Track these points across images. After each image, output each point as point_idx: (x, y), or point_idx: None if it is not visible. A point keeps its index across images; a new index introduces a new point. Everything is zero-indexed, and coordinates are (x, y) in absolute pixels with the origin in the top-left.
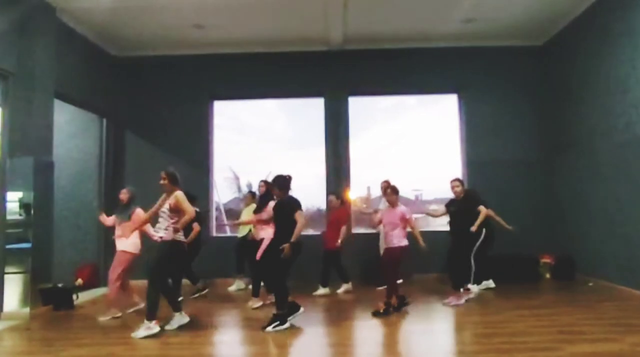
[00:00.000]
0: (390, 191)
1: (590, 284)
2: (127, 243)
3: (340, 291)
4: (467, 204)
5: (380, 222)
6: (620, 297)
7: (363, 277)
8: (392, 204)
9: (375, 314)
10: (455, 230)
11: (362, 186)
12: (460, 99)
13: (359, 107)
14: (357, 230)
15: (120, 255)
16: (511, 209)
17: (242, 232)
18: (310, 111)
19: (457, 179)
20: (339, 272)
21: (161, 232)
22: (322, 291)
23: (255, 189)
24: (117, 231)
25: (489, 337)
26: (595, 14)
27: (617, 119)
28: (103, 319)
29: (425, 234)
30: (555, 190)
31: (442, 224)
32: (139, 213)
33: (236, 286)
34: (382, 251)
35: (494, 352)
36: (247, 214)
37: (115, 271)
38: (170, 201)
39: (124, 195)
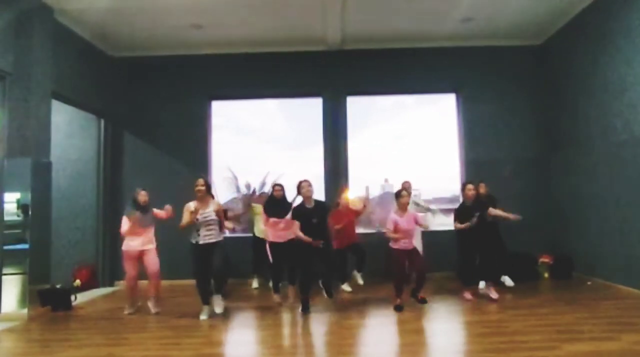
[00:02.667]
0: (406, 193)
1: (589, 283)
2: (150, 241)
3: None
4: (488, 204)
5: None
6: (618, 296)
7: (369, 276)
8: (405, 209)
9: (423, 301)
10: (490, 228)
11: (360, 186)
12: (458, 98)
13: (357, 107)
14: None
15: (153, 251)
16: (509, 208)
17: (264, 233)
18: (308, 111)
19: (472, 182)
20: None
21: (215, 234)
22: (360, 280)
23: (253, 188)
24: (141, 236)
25: (488, 336)
26: (592, 13)
27: (614, 118)
28: (155, 310)
29: (431, 233)
30: (553, 189)
31: (445, 223)
32: (159, 212)
33: (257, 283)
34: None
35: (493, 352)
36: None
37: (156, 263)
38: (215, 207)
39: (144, 197)
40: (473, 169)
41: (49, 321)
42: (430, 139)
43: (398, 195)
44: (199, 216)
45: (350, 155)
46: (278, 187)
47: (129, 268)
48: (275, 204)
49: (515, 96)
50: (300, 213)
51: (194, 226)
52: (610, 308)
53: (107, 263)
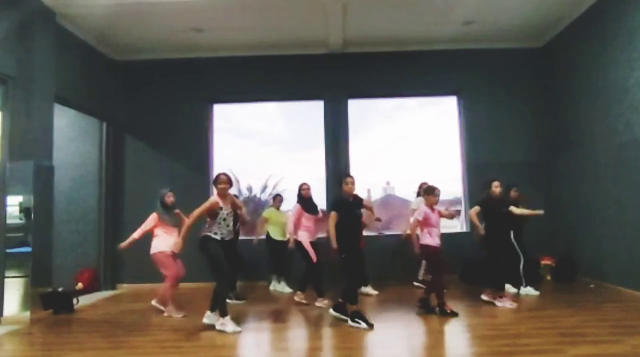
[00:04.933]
0: (439, 192)
1: (592, 285)
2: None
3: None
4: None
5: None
6: (622, 298)
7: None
8: (436, 204)
9: (453, 313)
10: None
11: (362, 188)
12: (459, 101)
13: (358, 109)
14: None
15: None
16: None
17: (280, 235)
18: (309, 114)
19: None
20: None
21: (232, 232)
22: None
23: (254, 191)
24: (172, 236)
25: (491, 339)
26: (594, 16)
27: (616, 120)
28: (181, 315)
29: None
30: (555, 191)
31: (448, 225)
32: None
33: (281, 286)
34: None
35: (496, 355)
36: (283, 215)
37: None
38: (231, 201)
39: (172, 198)
40: (474, 170)
41: (51, 324)
42: (432, 141)
43: (430, 192)
44: (224, 212)
45: (351, 157)
46: (306, 185)
47: (172, 265)
48: (309, 202)
49: (516, 98)
50: (342, 203)
51: (216, 220)
52: (613, 311)
53: (109, 266)
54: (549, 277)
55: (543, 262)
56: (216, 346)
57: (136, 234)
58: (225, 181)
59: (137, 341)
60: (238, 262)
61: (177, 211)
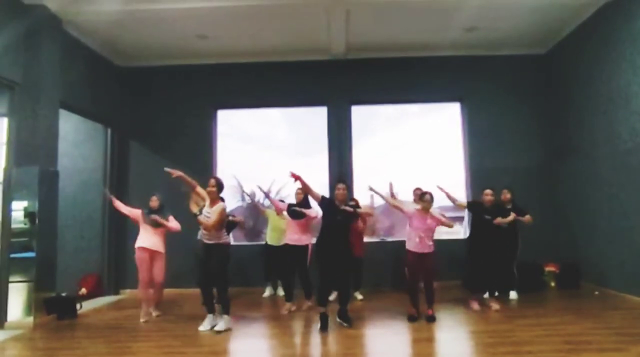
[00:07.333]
0: (429, 197)
1: (596, 292)
2: (162, 245)
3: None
4: (508, 211)
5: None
6: (626, 306)
7: (375, 285)
8: (427, 210)
9: (431, 318)
10: (498, 237)
11: (364, 194)
12: (463, 107)
13: (361, 115)
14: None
15: (162, 257)
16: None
17: (277, 241)
18: (313, 120)
19: (492, 188)
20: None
21: (210, 236)
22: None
23: (257, 197)
24: (153, 237)
25: (494, 346)
26: (597, 22)
27: (620, 126)
28: (144, 320)
29: (442, 242)
30: (559, 197)
31: (452, 231)
32: (174, 219)
33: (268, 291)
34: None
35: None
36: (282, 221)
37: (162, 272)
38: (216, 210)
39: (154, 202)
40: (478, 177)
41: (54, 329)
42: (434, 147)
43: (421, 197)
44: (203, 211)
45: (354, 163)
46: (299, 191)
47: (143, 269)
48: (294, 206)
49: (520, 104)
50: (328, 204)
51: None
52: (618, 318)
53: (113, 271)
54: (553, 284)
55: (547, 268)
56: (219, 353)
57: (119, 205)
58: (211, 184)
59: (140, 347)
60: (215, 273)
61: (154, 216)
